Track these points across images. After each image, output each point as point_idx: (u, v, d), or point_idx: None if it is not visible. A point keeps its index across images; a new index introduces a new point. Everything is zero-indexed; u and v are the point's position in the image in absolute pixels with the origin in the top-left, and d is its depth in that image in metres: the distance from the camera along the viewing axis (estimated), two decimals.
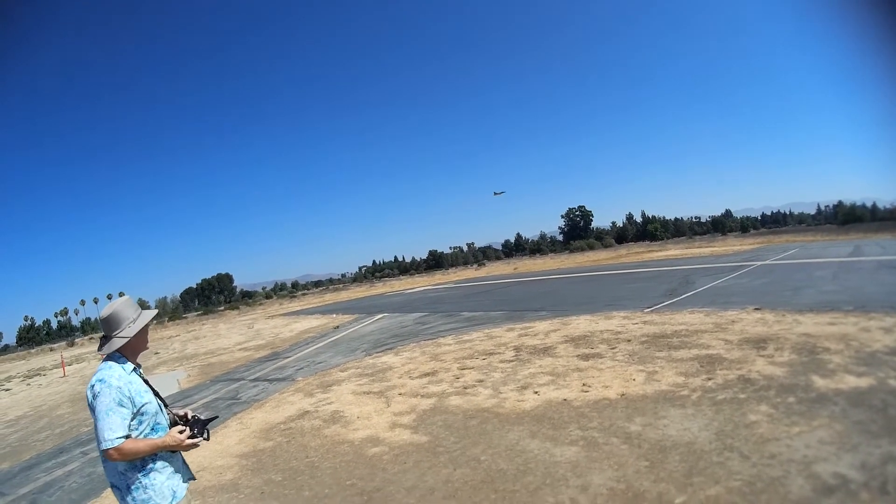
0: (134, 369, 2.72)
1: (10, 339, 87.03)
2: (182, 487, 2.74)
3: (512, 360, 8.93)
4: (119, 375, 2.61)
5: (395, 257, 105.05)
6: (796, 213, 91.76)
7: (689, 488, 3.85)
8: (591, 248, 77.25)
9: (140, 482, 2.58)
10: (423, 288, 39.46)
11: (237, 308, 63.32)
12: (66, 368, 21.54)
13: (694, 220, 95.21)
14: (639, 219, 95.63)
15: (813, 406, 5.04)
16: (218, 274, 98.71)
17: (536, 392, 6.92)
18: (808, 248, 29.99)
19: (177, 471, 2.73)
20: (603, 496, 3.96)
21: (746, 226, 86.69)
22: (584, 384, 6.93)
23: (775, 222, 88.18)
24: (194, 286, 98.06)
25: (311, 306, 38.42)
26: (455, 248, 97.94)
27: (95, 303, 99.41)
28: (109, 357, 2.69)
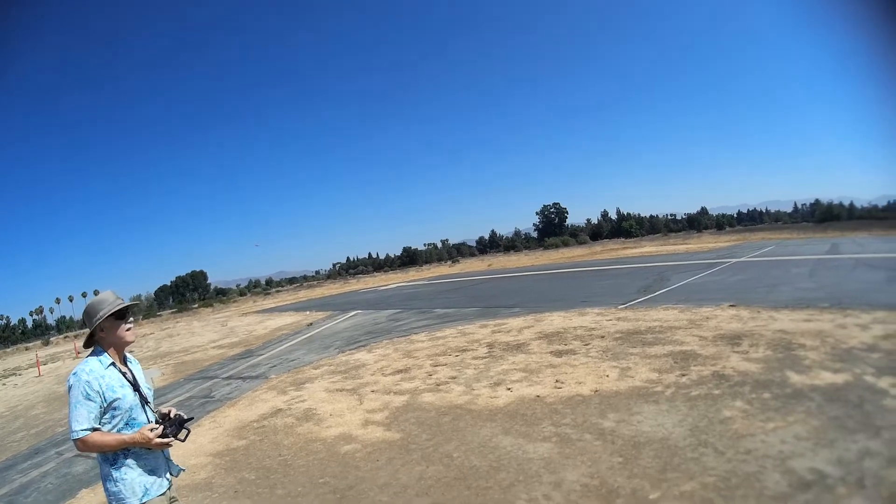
0: (112, 363, 2.83)
1: None
2: (159, 484, 2.84)
3: (485, 357, 9.19)
4: (91, 370, 2.74)
5: (370, 254, 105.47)
6: (773, 211, 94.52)
7: (663, 484, 4.01)
8: (566, 244, 78.62)
9: (112, 475, 2.72)
10: (397, 285, 39.98)
11: (211, 305, 64.08)
12: (42, 368, 21.73)
13: (669, 217, 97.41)
14: (614, 216, 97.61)
15: (788, 402, 5.29)
16: (192, 271, 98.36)
17: (509, 389, 7.14)
18: (785, 245, 31.07)
19: (154, 469, 2.84)
20: (576, 492, 4.10)
21: (722, 223, 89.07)
22: (557, 380, 7.15)
23: (751, 220, 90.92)
24: (168, 284, 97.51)
25: (285, 303, 38.99)
26: (429, 244, 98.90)
27: (71, 301, 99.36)
28: (94, 351, 2.86)
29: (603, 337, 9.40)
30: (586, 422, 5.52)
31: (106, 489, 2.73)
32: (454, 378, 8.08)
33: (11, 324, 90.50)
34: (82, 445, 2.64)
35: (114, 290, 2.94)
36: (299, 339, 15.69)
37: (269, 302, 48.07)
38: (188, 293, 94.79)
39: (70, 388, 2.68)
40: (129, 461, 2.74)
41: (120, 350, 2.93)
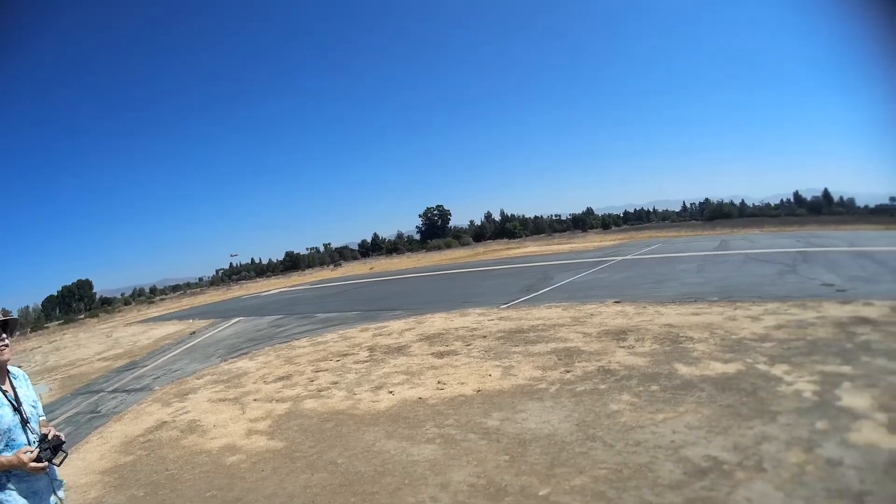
0: None
1: None
2: None
3: (366, 361, 9.25)
4: None
5: (252, 259, 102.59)
6: (661, 210, 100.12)
7: (552, 480, 4.03)
8: (449, 246, 79.94)
9: None
10: (279, 290, 39.85)
11: (97, 316, 61.88)
12: None
13: (554, 218, 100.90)
14: (498, 217, 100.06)
15: (678, 393, 5.52)
16: (78, 280, 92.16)
17: (391, 392, 7.23)
18: (673, 243, 33.05)
19: (37, 491, 2.85)
20: (464, 492, 4.10)
21: (608, 223, 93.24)
22: (439, 382, 7.25)
23: (638, 219, 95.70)
24: (55, 294, 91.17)
25: (168, 312, 38.41)
26: (312, 249, 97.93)
27: None
28: None
29: (485, 337, 9.55)
30: (470, 422, 5.57)
31: None
32: (336, 383, 8.14)
33: None
34: None
35: None
36: (182, 349, 15.57)
37: (154, 311, 47.04)
38: (74, 303, 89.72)
39: None
40: (11, 484, 2.74)
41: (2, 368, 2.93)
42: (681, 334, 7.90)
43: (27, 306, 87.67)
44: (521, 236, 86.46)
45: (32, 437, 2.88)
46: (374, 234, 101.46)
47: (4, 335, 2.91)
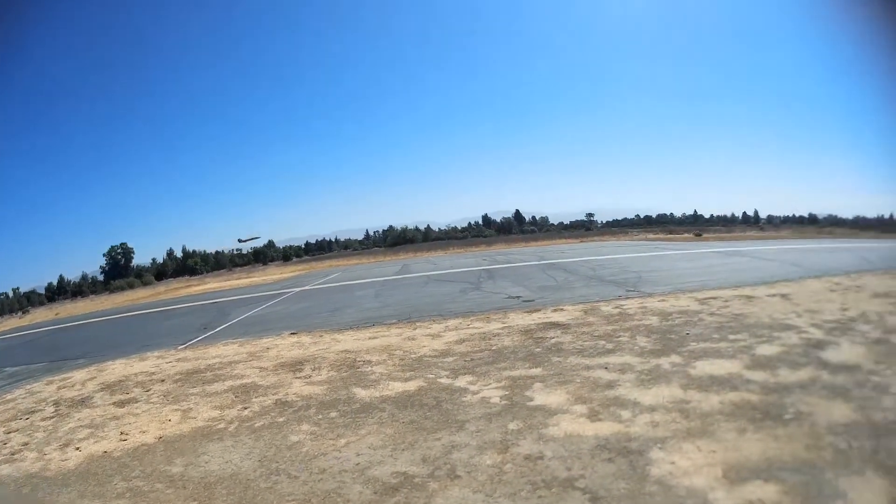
0: None
1: None
2: None
3: (53, 417, 8.34)
4: None
5: None
6: (343, 239, 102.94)
7: None
8: (132, 286, 77.21)
9: None
10: None
11: None
12: None
13: (235, 252, 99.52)
14: (179, 254, 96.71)
15: (358, 417, 5.69)
16: None
17: (78, 448, 6.63)
18: (353, 270, 34.32)
19: None
20: None
21: (289, 254, 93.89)
22: (122, 432, 6.81)
23: (320, 249, 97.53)
24: None
25: None
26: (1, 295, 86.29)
27: None
28: None
29: (163, 381, 9.10)
30: (155, 471, 5.28)
31: None
32: (27, 444, 7.24)
33: None
34: None
35: None
36: None
37: None
38: None
39: None
40: None
41: None
42: (358, 359, 8.19)
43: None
44: (202, 272, 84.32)
45: None
46: (60, 276, 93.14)
47: None
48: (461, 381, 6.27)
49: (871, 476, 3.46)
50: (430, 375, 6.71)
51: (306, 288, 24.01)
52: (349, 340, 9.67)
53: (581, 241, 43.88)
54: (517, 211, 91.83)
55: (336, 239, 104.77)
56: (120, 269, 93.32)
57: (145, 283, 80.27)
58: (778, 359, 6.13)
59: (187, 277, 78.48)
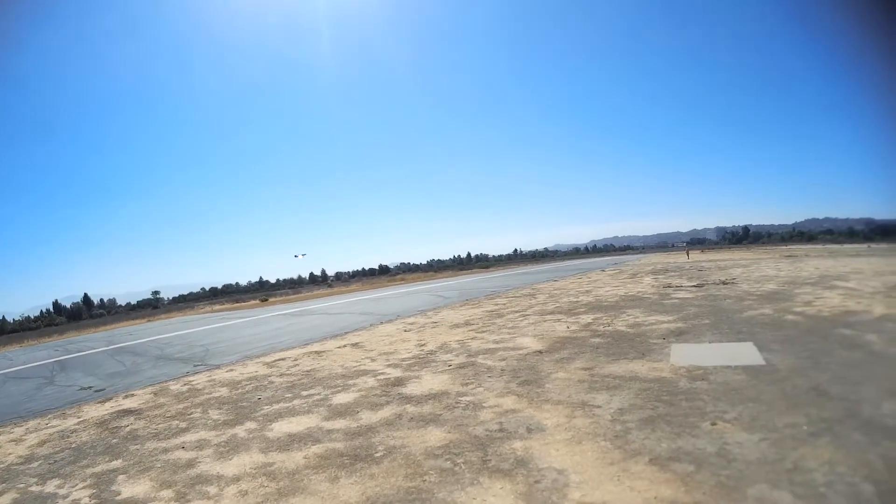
0: None
1: None
2: None
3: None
4: None
5: None
6: None
7: None
8: None
9: None
10: None
11: None
12: None
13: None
14: None
15: None
16: None
17: None
18: None
19: None
20: None
21: None
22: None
23: None
24: None
25: None
26: None
27: None
28: None
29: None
30: None
31: None
32: None
33: None
34: None
35: None
36: None
37: None
38: None
39: None
40: None
41: None
42: None
43: None
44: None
45: None
46: None
47: None
48: (50, 487, 5.57)
49: (488, 482, 4.07)
50: (22, 485, 5.74)
51: None
52: None
53: (148, 321, 42.66)
54: (85, 294, 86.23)
55: None
56: None
57: None
58: (357, 404, 6.73)
59: None
